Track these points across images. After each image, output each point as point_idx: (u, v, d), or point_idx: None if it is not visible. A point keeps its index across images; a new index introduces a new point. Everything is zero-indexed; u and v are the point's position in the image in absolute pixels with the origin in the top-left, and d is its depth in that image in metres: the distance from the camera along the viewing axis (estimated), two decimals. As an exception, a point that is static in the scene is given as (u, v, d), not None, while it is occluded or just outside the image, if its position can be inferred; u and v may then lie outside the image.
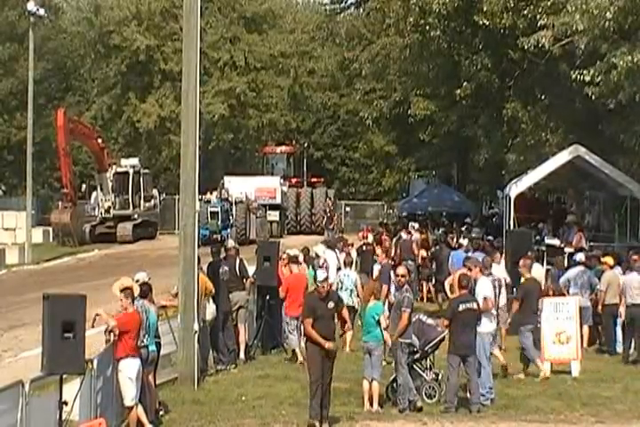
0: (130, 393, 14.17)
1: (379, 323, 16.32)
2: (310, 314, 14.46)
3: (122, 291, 14.39)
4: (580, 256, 22.58)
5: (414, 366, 16.46)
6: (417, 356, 16.55)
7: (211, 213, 43.93)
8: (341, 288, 21.58)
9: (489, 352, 17.01)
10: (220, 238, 24.98)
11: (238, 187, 48.83)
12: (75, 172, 52.01)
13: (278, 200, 52.27)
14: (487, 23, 27.97)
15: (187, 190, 18.65)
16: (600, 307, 21.06)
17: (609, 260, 21.81)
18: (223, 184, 47.94)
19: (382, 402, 16.37)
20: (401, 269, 17.77)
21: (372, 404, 16.20)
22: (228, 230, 42.36)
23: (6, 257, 42.56)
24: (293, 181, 55.30)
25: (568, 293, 21.31)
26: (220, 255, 20.63)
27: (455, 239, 30.15)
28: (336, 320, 15.06)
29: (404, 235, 31.01)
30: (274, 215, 50.08)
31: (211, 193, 46.31)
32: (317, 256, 23.17)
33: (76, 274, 34.96)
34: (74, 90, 66.50)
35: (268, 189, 52.50)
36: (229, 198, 45.68)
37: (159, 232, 51.98)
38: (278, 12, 71.31)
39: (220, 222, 43.73)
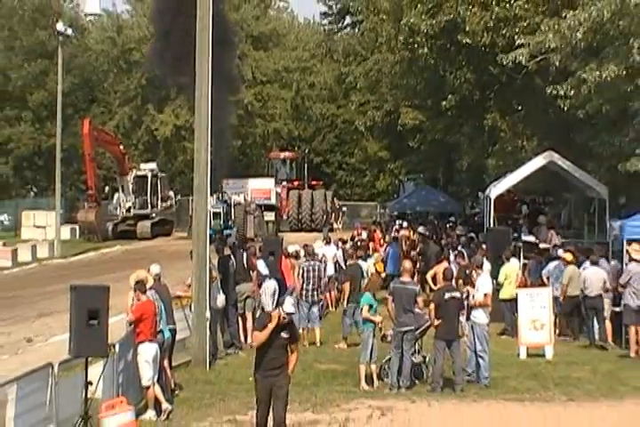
0: (147, 374, 14.20)
1: (374, 312, 16.45)
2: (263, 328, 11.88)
3: (134, 284, 14.45)
4: (559, 252, 22.56)
5: (408, 351, 16.48)
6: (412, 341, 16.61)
7: (213, 213, 43.76)
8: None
9: (487, 341, 16.96)
10: (224, 237, 25.00)
11: (236, 188, 48.76)
12: (99, 175, 51.97)
13: (273, 201, 52.00)
14: (469, 42, 27.94)
15: (199, 193, 18.69)
16: (561, 298, 21.07)
17: (567, 256, 21.76)
18: (222, 187, 47.74)
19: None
20: (406, 263, 17.83)
21: (367, 383, 16.29)
22: (229, 231, 42.06)
23: (37, 252, 42.57)
24: (295, 183, 55.15)
25: (549, 284, 21.34)
26: (225, 252, 20.61)
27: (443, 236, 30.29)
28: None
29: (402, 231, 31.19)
30: (269, 216, 49.86)
31: (211, 195, 46.06)
32: (316, 253, 23.11)
33: (100, 267, 34.96)
34: (98, 101, 66.45)
35: (264, 191, 52.19)
36: (227, 201, 45.49)
37: (175, 230, 51.92)
38: (282, 31, 71.27)
39: (222, 223, 43.55)
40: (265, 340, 11.58)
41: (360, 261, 22.51)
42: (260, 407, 11.72)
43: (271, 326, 11.63)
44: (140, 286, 14.43)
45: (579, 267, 21.37)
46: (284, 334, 11.73)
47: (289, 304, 12.16)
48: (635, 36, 22.04)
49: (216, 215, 43.46)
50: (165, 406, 14.34)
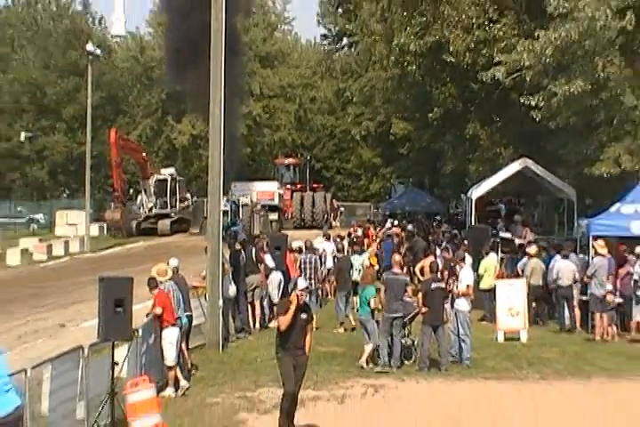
0: (171, 355, 14.23)
1: (369, 303, 16.46)
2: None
3: (149, 281, 14.45)
4: (533, 247, 22.57)
5: (398, 335, 16.49)
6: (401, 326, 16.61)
7: (222, 212, 43.20)
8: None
9: (469, 326, 16.95)
10: (235, 234, 25.04)
11: (243, 190, 48.71)
12: (124, 179, 51.93)
13: (276, 202, 52.07)
14: (453, 60, 27.99)
15: (213, 195, 18.69)
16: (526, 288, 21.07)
17: (531, 250, 21.81)
18: (231, 189, 47.67)
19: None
20: (396, 256, 17.90)
21: (364, 361, 16.32)
22: (235, 227, 41.93)
23: (70, 247, 42.65)
24: (298, 186, 55.19)
25: (523, 275, 21.33)
26: (236, 247, 20.62)
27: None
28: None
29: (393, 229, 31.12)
30: (273, 215, 49.85)
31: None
32: (315, 249, 23.13)
33: (125, 260, 34.96)
34: (123, 113, 66.49)
35: (268, 193, 52.27)
36: (236, 202, 45.38)
37: (191, 227, 51.93)
38: (286, 51, 71.38)
39: (229, 220, 43.50)
40: (290, 321, 11.49)
41: (353, 255, 22.62)
42: (288, 381, 11.60)
43: (293, 307, 11.60)
44: (151, 282, 14.42)
45: (550, 260, 21.40)
46: (303, 316, 11.70)
47: (301, 282, 12.46)
48: (599, 55, 22.08)
49: (225, 214, 43.35)
50: (183, 383, 14.36)
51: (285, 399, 11.65)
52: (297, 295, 11.77)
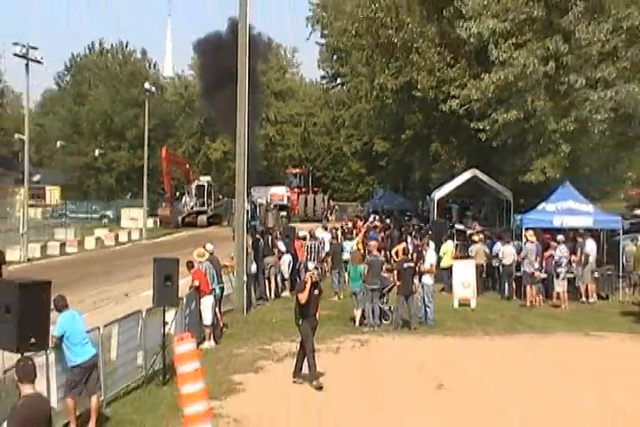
0: (208, 317, 14.24)
1: (360, 277, 16.41)
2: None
3: (187, 264, 14.33)
4: (477, 236, 22.52)
5: (377, 302, 16.45)
6: (379, 295, 16.58)
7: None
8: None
9: (432, 296, 16.96)
10: (253, 227, 24.79)
11: (260, 193, 48.55)
12: (172, 184, 51.93)
13: (285, 202, 51.78)
14: (420, 95, 27.86)
15: (239, 197, 18.64)
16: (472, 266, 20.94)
17: (475, 238, 21.80)
18: (251, 192, 47.52)
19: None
20: (373, 242, 18.10)
21: (355, 323, 16.28)
22: (254, 222, 41.67)
23: (132, 235, 42.61)
24: (303, 190, 55.07)
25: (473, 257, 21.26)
26: (256, 236, 20.57)
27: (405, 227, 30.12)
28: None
29: (375, 222, 30.96)
30: (283, 212, 49.55)
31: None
32: (316, 237, 23.03)
33: (173, 246, 34.88)
34: (171, 135, 66.35)
35: (279, 195, 52.01)
36: (255, 202, 45.12)
37: (223, 221, 51.81)
38: (294, 88, 71.17)
39: (250, 216, 43.13)
40: (307, 296, 11.39)
41: (345, 242, 22.53)
42: (308, 340, 11.49)
43: (308, 284, 11.48)
44: (188, 264, 14.36)
45: (492, 245, 21.35)
46: (315, 292, 11.61)
47: (311, 265, 12.65)
48: (528, 92, 22.01)
49: (246, 211, 42.99)
50: (212, 343, 14.35)
51: (308, 351, 11.48)
52: (310, 276, 11.60)
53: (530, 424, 9.65)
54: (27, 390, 6.00)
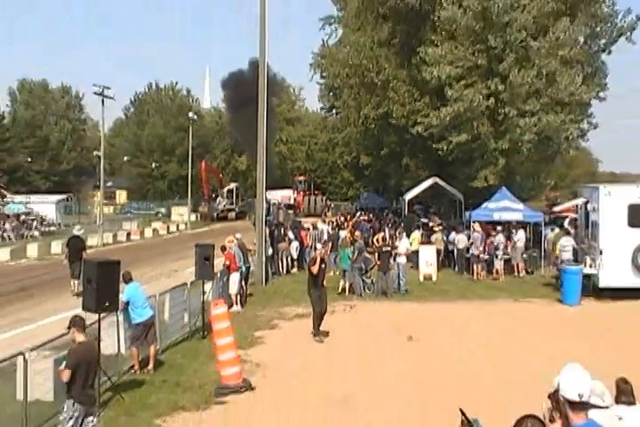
0: (235, 288, 14.20)
1: (348, 258, 16.43)
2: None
3: (221, 248, 14.25)
4: (436, 228, 22.45)
5: (363, 277, 16.47)
6: (364, 272, 16.61)
7: None
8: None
9: (405, 272, 16.93)
10: (268, 221, 24.60)
11: (273, 195, 48.35)
12: (209, 189, 51.83)
13: (292, 202, 51.45)
14: (395, 122, 27.85)
15: (259, 198, 18.66)
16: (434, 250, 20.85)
17: (436, 228, 21.74)
18: (266, 195, 46.87)
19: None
20: (357, 232, 17.98)
21: (344, 292, 16.28)
22: (269, 218, 41.26)
23: (179, 227, 42.73)
24: (307, 192, 54.99)
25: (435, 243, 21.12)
26: (272, 228, 20.51)
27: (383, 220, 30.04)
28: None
29: (361, 217, 30.87)
30: (290, 210, 49.30)
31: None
32: (317, 228, 23.00)
33: (210, 234, 34.75)
34: (209, 152, 66.24)
35: (287, 197, 51.69)
36: (269, 202, 44.72)
37: (247, 217, 51.61)
38: (301, 116, 71.05)
39: (266, 213, 42.55)
40: (318, 269, 11.37)
41: (339, 231, 22.52)
42: (317, 306, 11.40)
43: (318, 259, 11.50)
44: (222, 248, 14.29)
45: (449, 234, 21.30)
46: (323, 266, 11.64)
47: (319, 246, 12.75)
48: (475, 121, 22.06)
49: None
50: (238, 307, 14.27)
51: (316, 316, 11.44)
52: (319, 253, 11.73)
53: (477, 363, 9.72)
54: (80, 338, 6.09)
